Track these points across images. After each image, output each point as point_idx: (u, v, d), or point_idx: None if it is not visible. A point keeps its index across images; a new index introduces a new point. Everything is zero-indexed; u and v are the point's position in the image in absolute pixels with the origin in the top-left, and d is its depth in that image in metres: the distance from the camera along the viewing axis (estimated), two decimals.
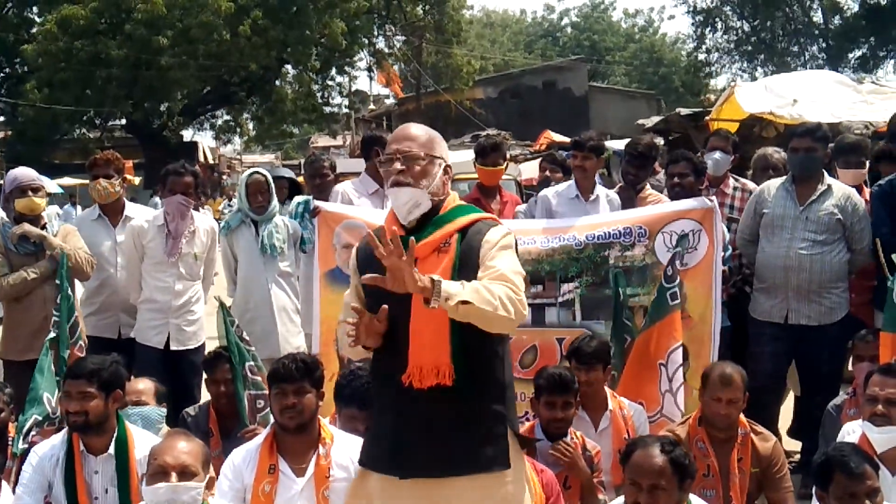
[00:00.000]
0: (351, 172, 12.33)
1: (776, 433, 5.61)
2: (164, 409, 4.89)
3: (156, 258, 5.84)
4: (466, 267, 3.10)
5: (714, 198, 5.64)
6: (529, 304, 5.26)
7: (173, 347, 5.85)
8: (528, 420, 5.03)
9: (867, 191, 6.13)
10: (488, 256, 3.10)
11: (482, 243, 3.13)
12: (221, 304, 5.15)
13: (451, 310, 2.89)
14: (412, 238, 2.99)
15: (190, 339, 5.93)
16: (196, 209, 6.31)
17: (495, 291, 2.94)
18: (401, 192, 3.17)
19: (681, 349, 5.10)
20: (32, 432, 4.61)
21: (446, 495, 3.17)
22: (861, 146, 6.37)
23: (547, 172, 8.53)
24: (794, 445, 6.12)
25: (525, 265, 5.28)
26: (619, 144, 12.10)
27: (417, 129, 3.29)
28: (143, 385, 4.92)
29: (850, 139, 6.54)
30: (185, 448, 3.50)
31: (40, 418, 4.69)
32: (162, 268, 5.85)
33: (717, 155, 6.37)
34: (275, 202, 6.24)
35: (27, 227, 5.63)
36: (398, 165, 3.17)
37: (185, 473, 3.42)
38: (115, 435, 4.16)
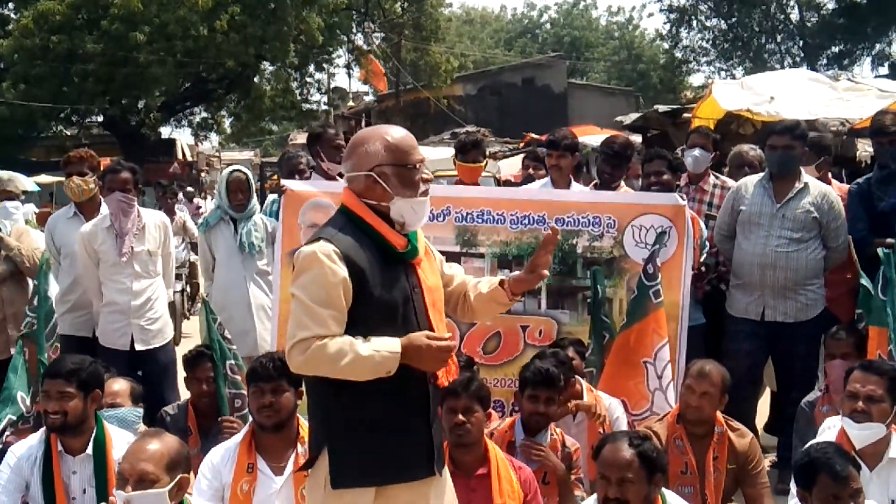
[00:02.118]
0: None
1: (753, 429, 5.66)
2: (141, 410, 4.86)
3: (109, 261, 5.78)
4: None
5: (683, 195, 5.66)
6: None
7: (138, 348, 5.81)
8: (497, 409, 5.05)
9: (836, 184, 6.20)
10: (441, 262, 3.43)
11: (433, 251, 3.38)
12: (205, 302, 5.13)
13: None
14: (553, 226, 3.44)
15: (155, 337, 5.88)
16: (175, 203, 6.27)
17: None
18: (428, 202, 3.19)
19: (668, 346, 5.12)
20: (7, 432, 4.58)
21: (446, 478, 3.34)
22: (822, 143, 6.45)
23: (531, 170, 8.48)
24: (771, 441, 6.16)
25: (492, 247, 5.40)
26: (597, 141, 12.11)
27: None
28: (119, 386, 4.87)
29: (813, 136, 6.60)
30: (147, 454, 3.38)
31: (14, 418, 4.67)
32: (117, 269, 5.79)
33: (697, 152, 6.37)
34: (254, 200, 6.21)
35: None
36: (429, 174, 3.19)
37: (143, 481, 3.32)
38: (94, 435, 4.14)
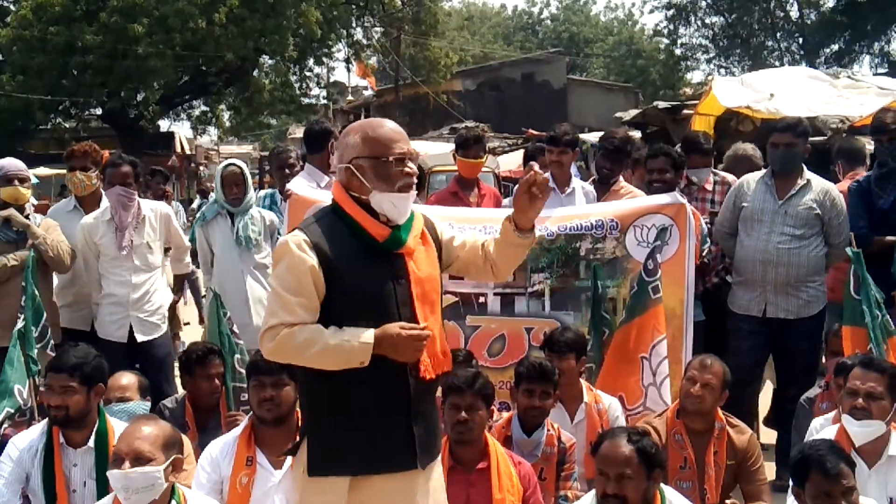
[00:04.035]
0: None
1: (755, 425, 5.68)
2: (148, 403, 4.88)
3: (109, 254, 5.82)
4: (439, 253, 3.33)
5: (684, 194, 5.65)
6: (499, 294, 5.33)
7: (140, 339, 5.83)
8: (497, 410, 5.05)
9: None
10: (450, 239, 3.40)
11: (438, 233, 3.36)
12: (216, 295, 5.12)
13: (532, 238, 3.26)
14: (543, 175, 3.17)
15: (153, 328, 5.91)
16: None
17: None
18: (411, 197, 3.17)
19: (665, 342, 5.13)
20: (5, 425, 4.58)
21: (434, 474, 3.28)
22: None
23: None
24: (771, 436, 6.16)
25: None
26: (596, 137, 12.11)
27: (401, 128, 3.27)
28: (127, 380, 4.89)
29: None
30: (143, 433, 3.46)
31: (12, 411, 4.66)
32: (117, 262, 5.83)
33: (702, 174, 6.37)
34: (251, 194, 6.21)
35: (13, 212, 5.63)
36: (413, 168, 3.16)
37: (139, 460, 3.39)
38: (96, 428, 4.15)
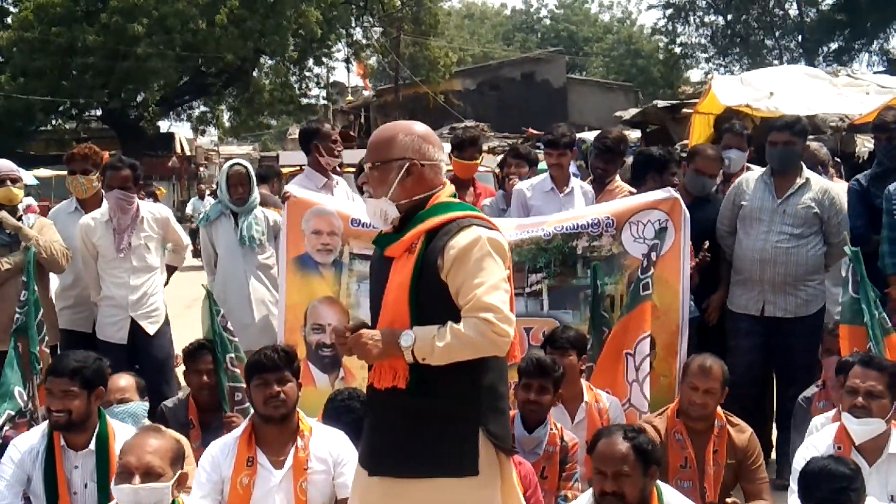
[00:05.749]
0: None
1: (766, 423, 5.68)
2: (147, 403, 4.88)
3: (108, 255, 5.83)
4: (427, 272, 3.07)
5: (671, 189, 5.64)
6: None
7: (151, 331, 5.86)
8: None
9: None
10: (463, 272, 3.05)
11: (446, 248, 3.06)
12: (208, 293, 5.12)
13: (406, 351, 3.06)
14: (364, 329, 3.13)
15: (157, 321, 5.94)
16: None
17: (466, 336, 3.01)
18: (367, 204, 3.29)
19: (648, 339, 5.15)
20: (6, 427, 4.59)
21: (407, 495, 3.17)
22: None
23: (512, 168, 7.99)
24: None
25: None
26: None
27: (377, 134, 3.28)
28: (126, 382, 4.89)
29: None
30: (152, 447, 3.46)
31: (13, 413, 4.67)
32: (115, 263, 5.84)
33: (733, 154, 6.38)
34: (255, 194, 6.21)
35: (4, 214, 5.60)
36: (363, 176, 3.27)
37: (150, 475, 3.39)
38: (97, 431, 4.15)
